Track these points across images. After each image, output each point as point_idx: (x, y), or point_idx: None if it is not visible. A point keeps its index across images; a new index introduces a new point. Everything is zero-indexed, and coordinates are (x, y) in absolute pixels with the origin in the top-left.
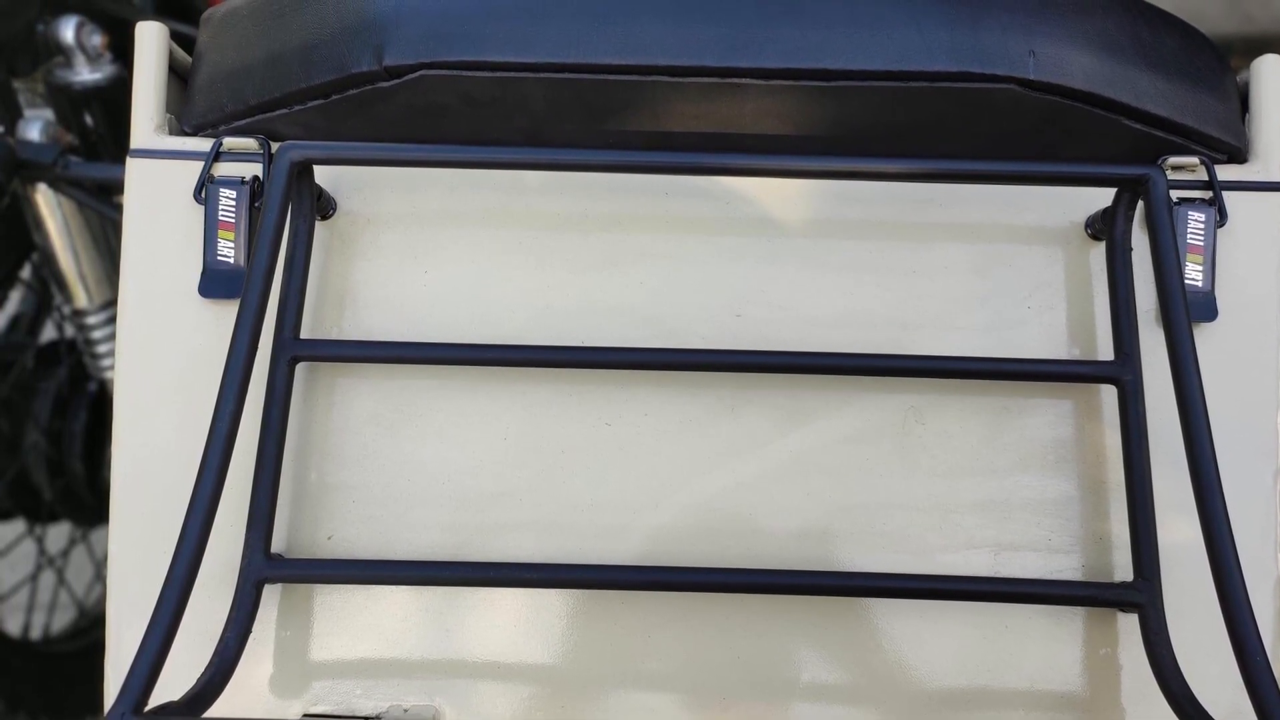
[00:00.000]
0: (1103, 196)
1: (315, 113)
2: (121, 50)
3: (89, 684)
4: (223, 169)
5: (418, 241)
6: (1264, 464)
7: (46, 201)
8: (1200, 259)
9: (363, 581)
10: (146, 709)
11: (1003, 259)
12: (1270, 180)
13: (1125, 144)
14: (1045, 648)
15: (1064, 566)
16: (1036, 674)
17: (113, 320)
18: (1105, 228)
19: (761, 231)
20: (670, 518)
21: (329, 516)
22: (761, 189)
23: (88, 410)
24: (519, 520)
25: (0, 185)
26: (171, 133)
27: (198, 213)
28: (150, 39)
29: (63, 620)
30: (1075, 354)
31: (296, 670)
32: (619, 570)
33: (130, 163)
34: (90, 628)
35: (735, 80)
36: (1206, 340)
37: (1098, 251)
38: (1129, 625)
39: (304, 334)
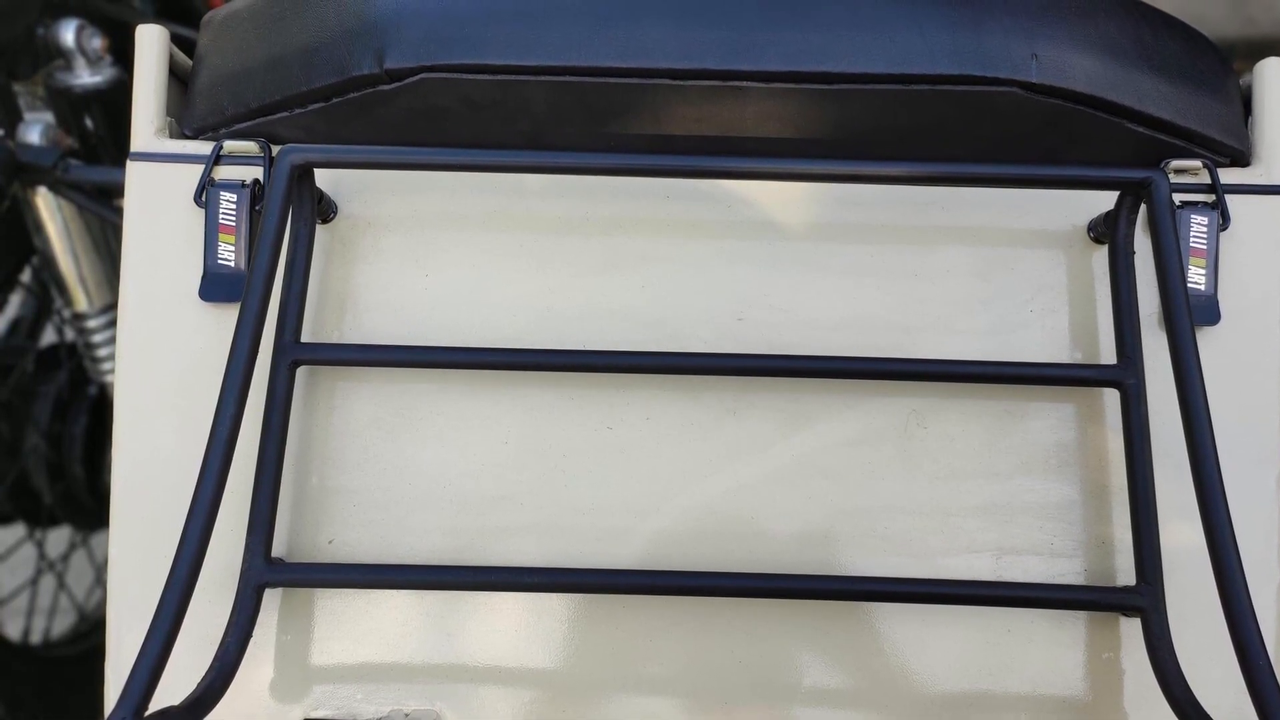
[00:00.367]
0: (1105, 200)
1: (316, 116)
2: (122, 53)
3: (89, 688)
4: (223, 172)
5: (418, 245)
6: (1267, 468)
7: (47, 205)
8: (1203, 262)
9: (363, 586)
10: (147, 713)
11: (1005, 262)
12: (1273, 183)
13: (1128, 147)
14: (1047, 652)
15: (1066, 570)
16: (1039, 678)
17: (113, 324)
18: (1108, 231)
19: (763, 235)
20: (672, 521)
21: (330, 520)
22: (763, 192)
23: (88, 414)
24: (520, 524)
25: (0, 188)
26: (172, 136)
27: (198, 216)
28: (150, 42)
29: (63, 624)
30: (1077, 357)
31: (297, 674)
32: (620, 574)
33: (130, 166)
34: (90, 632)
35: (737, 83)
36: (1209, 344)
37: (1100, 255)
38: (1131, 629)
39: (305, 337)
